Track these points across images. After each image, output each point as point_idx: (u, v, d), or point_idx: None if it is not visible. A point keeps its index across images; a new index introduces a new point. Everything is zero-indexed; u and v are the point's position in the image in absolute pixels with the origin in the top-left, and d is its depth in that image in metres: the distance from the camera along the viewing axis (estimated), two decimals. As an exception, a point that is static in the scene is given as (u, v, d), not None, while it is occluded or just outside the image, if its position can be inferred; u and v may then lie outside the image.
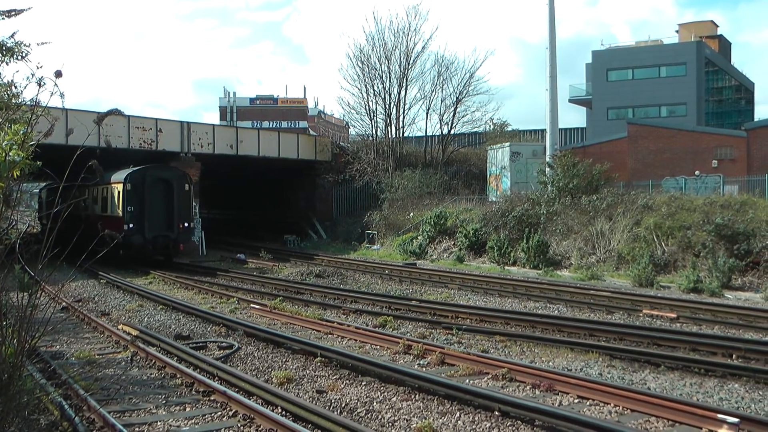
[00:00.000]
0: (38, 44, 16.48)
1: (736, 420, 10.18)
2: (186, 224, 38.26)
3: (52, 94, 8.08)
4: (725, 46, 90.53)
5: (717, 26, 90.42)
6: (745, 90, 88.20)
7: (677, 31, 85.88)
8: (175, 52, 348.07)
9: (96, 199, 39.89)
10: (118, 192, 36.61)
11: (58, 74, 7.92)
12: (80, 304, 24.17)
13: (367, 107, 56.84)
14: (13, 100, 14.99)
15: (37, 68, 8.50)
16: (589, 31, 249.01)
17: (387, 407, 11.87)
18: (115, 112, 8.68)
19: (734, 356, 15.25)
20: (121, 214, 36.22)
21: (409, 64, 55.47)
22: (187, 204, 38.51)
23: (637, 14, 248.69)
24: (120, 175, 37.05)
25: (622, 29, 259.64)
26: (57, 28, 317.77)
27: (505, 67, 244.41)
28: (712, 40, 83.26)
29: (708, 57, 77.00)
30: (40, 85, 8.23)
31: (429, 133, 59.03)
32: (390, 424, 11.01)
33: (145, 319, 21.40)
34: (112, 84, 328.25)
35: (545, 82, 46.21)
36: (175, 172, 39.39)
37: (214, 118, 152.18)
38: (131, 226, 35.80)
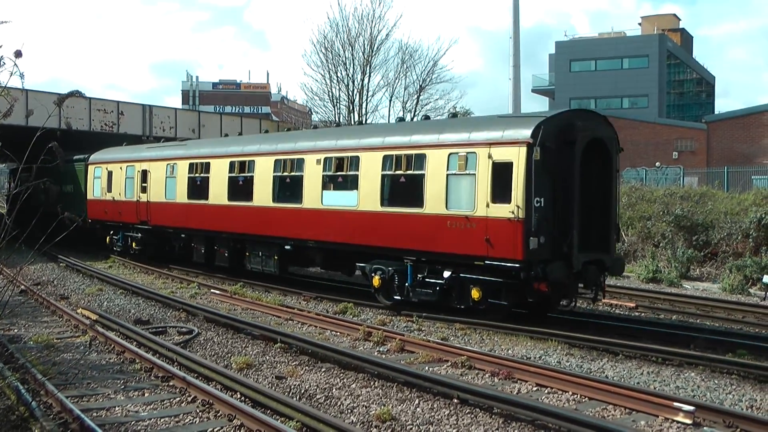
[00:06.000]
0: (-3, 23, 16.22)
1: (691, 408, 10.33)
2: (616, 235, 19.48)
3: (11, 74, 7.97)
4: (687, 39, 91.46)
5: (679, 20, 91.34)
6: (705, 83, 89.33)
7: (640, 24, 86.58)
8: (136, 33, 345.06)
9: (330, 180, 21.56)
10: (496, 166, 16.95)
11: (18, 54, 7.82)
12: (39, 287, 23.89)
13: (330, 94, 56.61)
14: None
15: (-4, 47, 8.37)
16: (549, 21, 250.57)
17: (346, 394, 11.89)
18: (76, 94, 8.59)
19: (691, 346, 15.44)
20: (514, 212, 16.36)
21: (373, 51, 55.29)
22: (617, 193, 19.25)
23: (597, 5, 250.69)
24: (510, 127, 17.29)
25: (582, 19, 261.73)
26: (14, 4, 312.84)
27: (467, 56, 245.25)
28: (674, 33, 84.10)
29: (670, 50, 77.80)
30: (-1, 65, 8.11)
31: (392, 121, 59.03)
32: (349, 410, 11.03)
33: (105, 303, 21.22)
34: (71, 64, 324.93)
35: (508, 71, 46.54)
36: (608, 127, 18.68)
37: (175, 102, 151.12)
38: (542, 240, 16.43)
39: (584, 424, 9.64)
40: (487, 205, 16.90)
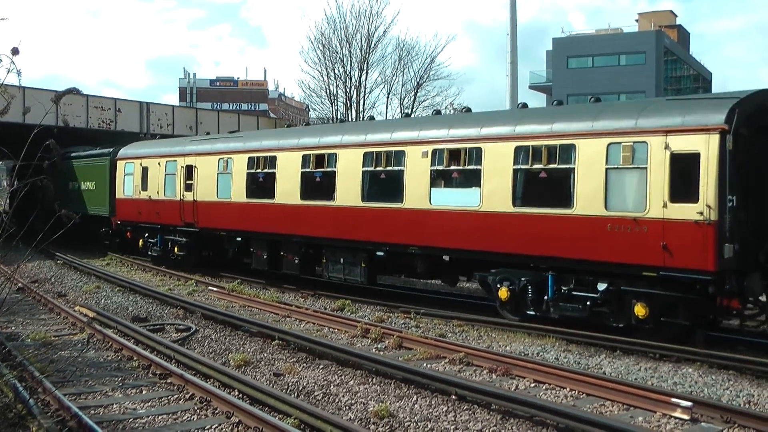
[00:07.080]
0: (-6, 20, 16.18)
1: (689, 404, 10.33)
2: None
3: (8, 71, 7.94)
4: (684, 35, 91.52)
5: (676, 16, 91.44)
6: (702, 80, 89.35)
7: (637, 20, 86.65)
8: (132, 30, 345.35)
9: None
10: (675, 157, 14.20)
11: (15, 51, 7.79)
12: (36, 284, 23.86)
13: (328, 90, 56.51)
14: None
15: (-7, 45, 8.35)
16: (545, 18, 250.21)
17: (344, 390, 11.89)
18: (73, 91, 8.58)
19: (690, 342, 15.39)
20: (704, 213, 13.60)
21: (370, 48, 55.22)
22: None
23: (593, 1, 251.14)
24: (693, 111, 14.43)
25: (578, 16, 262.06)
26: (10, 1, 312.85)
27: (463, 52, 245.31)
28: (671, 30, 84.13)
29: (667, 46, 77.80)
30: (-4, 63, 8.08)
31: (389, 117, 58.97)
32: (347, 407, 11.03)
33: (102, 300, 21.21)
34: (67, 61, 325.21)
35: (505, 68, 46.54)
36: None
37: (172, 99, 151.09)
38: (736, 247, 13.87)
39: (582, 420, 9.64)
40: (664, 205, 14.16)
